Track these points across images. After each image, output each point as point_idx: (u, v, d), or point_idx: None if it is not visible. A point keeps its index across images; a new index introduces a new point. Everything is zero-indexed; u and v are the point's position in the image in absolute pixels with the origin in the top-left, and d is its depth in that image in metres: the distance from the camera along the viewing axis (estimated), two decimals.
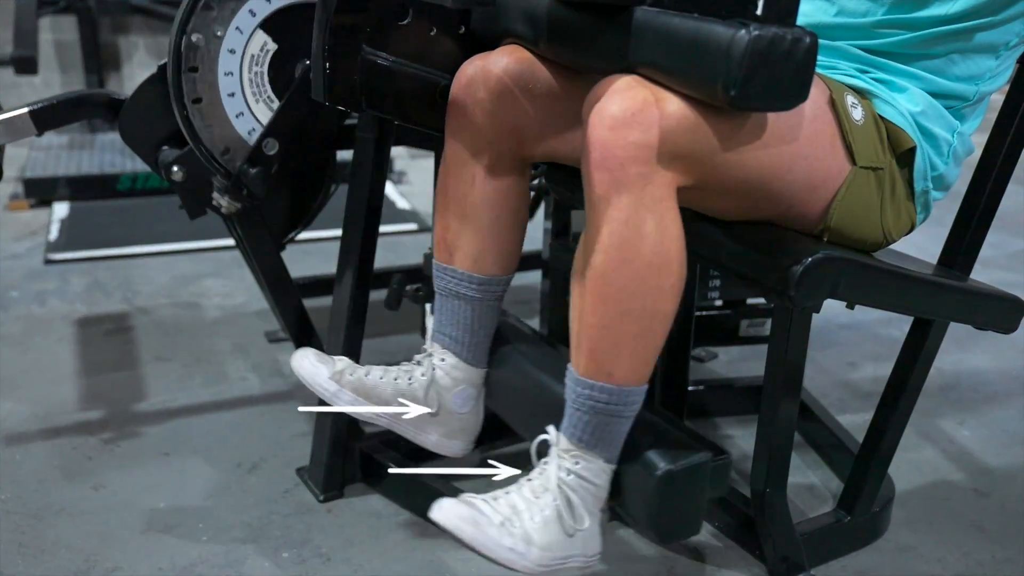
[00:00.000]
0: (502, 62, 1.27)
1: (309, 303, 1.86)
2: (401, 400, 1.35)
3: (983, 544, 1.61)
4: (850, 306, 1.35)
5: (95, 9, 4.02)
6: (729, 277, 1.92)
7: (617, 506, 1.25)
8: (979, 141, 1.37)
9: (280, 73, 1.47)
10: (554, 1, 1.19)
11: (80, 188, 3.34)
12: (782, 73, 1.00)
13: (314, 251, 2.79)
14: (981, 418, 2.04)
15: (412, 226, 3.20)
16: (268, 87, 1.48)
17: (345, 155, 1.84)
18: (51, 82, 4.20)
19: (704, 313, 2.04)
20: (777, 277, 1.15)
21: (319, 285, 2.32)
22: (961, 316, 1.40)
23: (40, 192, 3.31)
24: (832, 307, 1.42)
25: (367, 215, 1.54)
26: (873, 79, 1.27)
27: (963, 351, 2.34)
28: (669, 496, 1.18)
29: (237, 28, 1.41)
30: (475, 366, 1.39)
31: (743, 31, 0.97)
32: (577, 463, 1.17)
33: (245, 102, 1.47)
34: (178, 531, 1.57)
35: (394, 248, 2.97)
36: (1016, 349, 2.37)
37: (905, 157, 1.27)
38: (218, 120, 1.48)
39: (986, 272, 1.54)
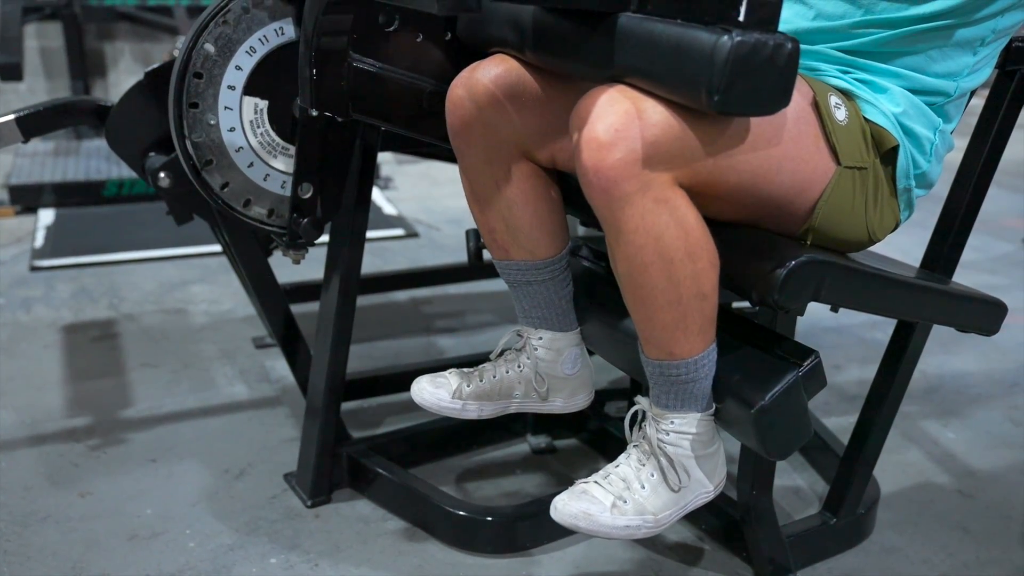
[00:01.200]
0: (489, 74, 1.28)
1: (296, 309, 1.86)
2: (517, 388, 1.43)
3: (968, 545, 1.62)
4: (835, 309, 1.36)
5: (80, 16, 4.01)
6: None
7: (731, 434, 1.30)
8: (959, 145, 1.38)
9: (283, 122, 1.48)
10: (540, 8, 1.20)
11: (66, 194, 3.33)
12: (764, 78, 1.01)
13: None
14: (965, 420, 2.06)
15: (399, 231, 3.20)
16: (278, 139, 1.49)
17: None
18: (36, 89, 4.19)
19: None
20: (761, 281, 1.16)
21: (306, 290, 2.33)
22: (943, 319, 1.41)
23: (25, 199, 3.30)
24: (817, 310, 1.43)
25: (354, 221, 1.55)
26: (855, 79, 1.29)
27: (947, 354, 2.36)
28: (771, 424, 1.20)
29: (227, 107, 1.43)
30: (569, 330, 1.44)
31: (726, 37, 0.98)
32: (672, 422, 1.24)
33: (263, 162, 1.48)
34: (165, 538, 1.57)
35: (381, 253, 2.97)
36: (999, 351, 2.39)
37: (888, 156, 1.28)
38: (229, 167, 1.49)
39: (968, 275, 1.55)
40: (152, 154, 1.66)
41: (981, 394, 2.18)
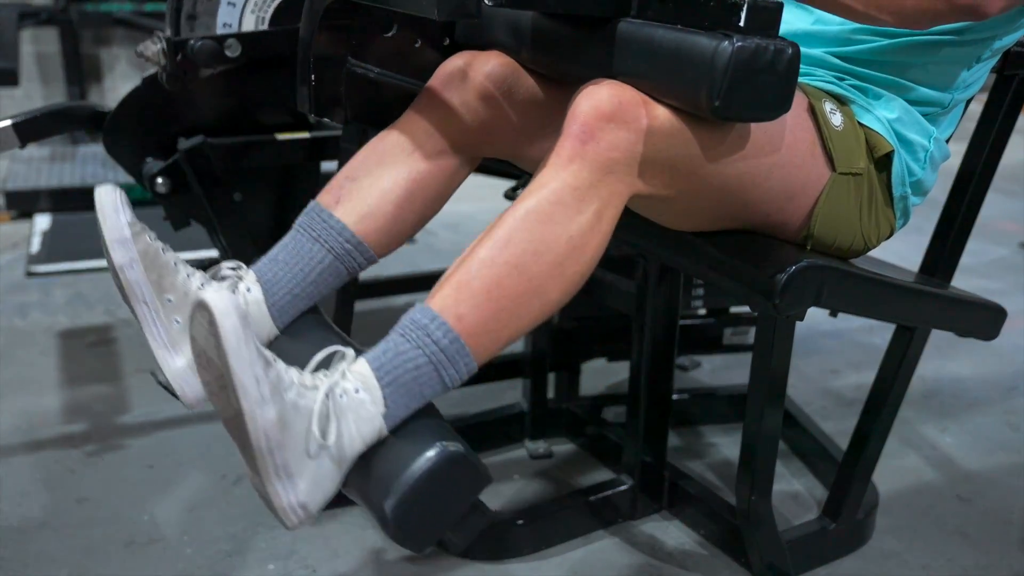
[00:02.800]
0: (488, 65, 1.27)
1: None
2: (170, 298, 1.16)
3: (966, 550, 1.62)
4: (833, 314, 1.37)
5: (76, 21, 4.00)
6: (712, 286, 1.93)
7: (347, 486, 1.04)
8: (957, 150, 1.39)
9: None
10: (538, 13, 1.20)
11: (62, 200, 3.32)
12: (765, 83, 1.01)
13: None
14: (963, 425, 2.06)
15: None
16: (269, 10, 1.47)
17: (329, 166, 1.84)
18: (32, 94, 4.18)
19: (688, 322, 2.05)
20: (761, 286, 1.16)
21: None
22: (942, 323, 1.41)
23: (21, 204, 3.29)
24: (815, 315, 1.43)
25: None
26: (850, 86, 1.29)
27: (945, 358, 2.36)
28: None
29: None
30: (274, 319, 1.19)
31: (726, 42, 0.98)
32: (358, 391, 0.97)
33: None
34: (162, 544, 1.56)
35: None
36: (997, 356, 2.39)
37: (883, 162, 1.28)
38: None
39: (966, 279, 1.56)
40: (149, 159, 1.65)
41: (979, 399, 2.18)
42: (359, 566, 1.52)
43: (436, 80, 1.29)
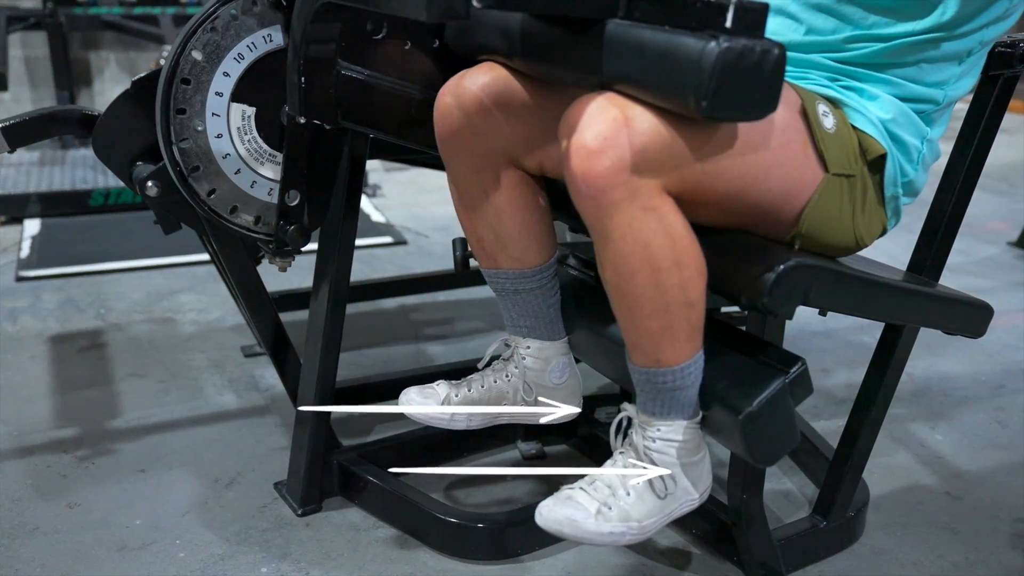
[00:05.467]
0: (478, 82, 1.28)
1: (285, 317, 1.86)
2: (505, 398, 1.43)
3: (956, 546, 1.63)
4: (822, 313, 1.37)
5: (65, 25, 3.99)
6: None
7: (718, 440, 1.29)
8: (944, 149, 1.39)
9: (270, 129, 1.48)
10: (528, 15, 1.20)
11: (52, 204, 3.31)
12: (752, 83, 1.02)
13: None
14: (952, 422, 2.07)
15: (387, 239, 3.20)
16: (266, 146, 1.49)
17: None
18: (21, 98, 4.17)
19: None
20: (750, 285, 1.17)
21: (295, 299, 2.32)
22: (930, 321, 1.42)
23: (11, 209, 3.28)
24: (805, 314, 1.44)
25: (342, 228, 1.55)
26: (844, 87, 1.30)
27: (934, 356, 2.37)
28: (758, 430, 1.20)
29: (214, 114, 1.43)
30: (556, 339, 1.44)
31: (713, 43, 0.98)
32: (658, 430, 1.23)
33: (250, 168, 1.48)
34: (155, 548, 1.56)
35: (369, 261, 2.97)
36: (985, 354, 2.41)
37: (876, 164, 1.29)
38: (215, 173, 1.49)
39: (955, 278, 1.57)
40: (139, 163, 1.65)
41: (968, 396, 2.20)
42: (352, 568, 1.52)
43: (438, 118, 1.32)
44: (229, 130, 1.45)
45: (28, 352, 2.29)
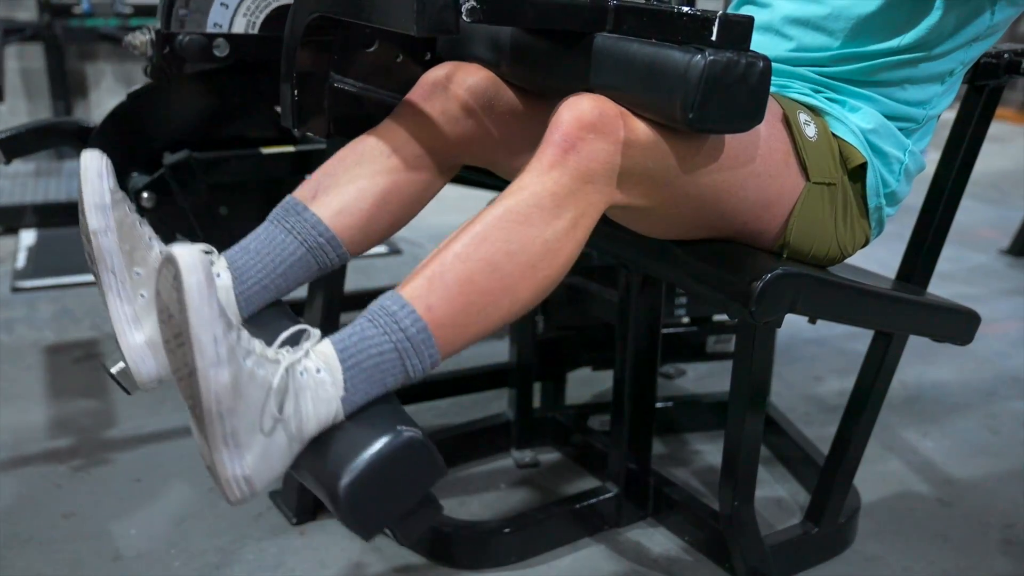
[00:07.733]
0: (471, 78, 1.28)
1: None
2: (139, 271, 1.15)
3: (947, 553, 1.64)
4: (812, 321, 1.39)
5: (61, 37, 4.01)
6: (693, 294, 1.95)
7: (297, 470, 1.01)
8: (932, 158, 1.41)
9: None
10: (517, 28, 1.22)
11: (47, 215, 3.31)
12: (737, 95, 1.03)
13: None
14: (944, 429, 2.08)
15: (383, 249, 3.20)
16: (260, 16, 1.49)
17: None
18: (17, 110, 4.18)
19: (671, 330, 2.07)
20: (737, 294, 1.18)
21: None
22: (917, 329, 1.43)
23: (7, 220, 3.29)
24: (797, 322, 1.45)
25: None
26: (826, 99, 1.32)
27: (925, 364, 2.39)
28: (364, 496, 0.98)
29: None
30: (240, 308, 1.18)
31: (699, 56, 1.00)
32: (319, 371, 0.97)
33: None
34: (149, 558, 1.57)
35: (364, 270, 2.97)
36: (976, 361, 2.42)
37: (857, 173, 1.30)
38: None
39: (946, 286, 1.58)
40: (135, 174, 1.66)
41: (959, 403, 2.21)
42: None
43: (419, 88, 1.30)
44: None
45: (23, 362, 2.29)
